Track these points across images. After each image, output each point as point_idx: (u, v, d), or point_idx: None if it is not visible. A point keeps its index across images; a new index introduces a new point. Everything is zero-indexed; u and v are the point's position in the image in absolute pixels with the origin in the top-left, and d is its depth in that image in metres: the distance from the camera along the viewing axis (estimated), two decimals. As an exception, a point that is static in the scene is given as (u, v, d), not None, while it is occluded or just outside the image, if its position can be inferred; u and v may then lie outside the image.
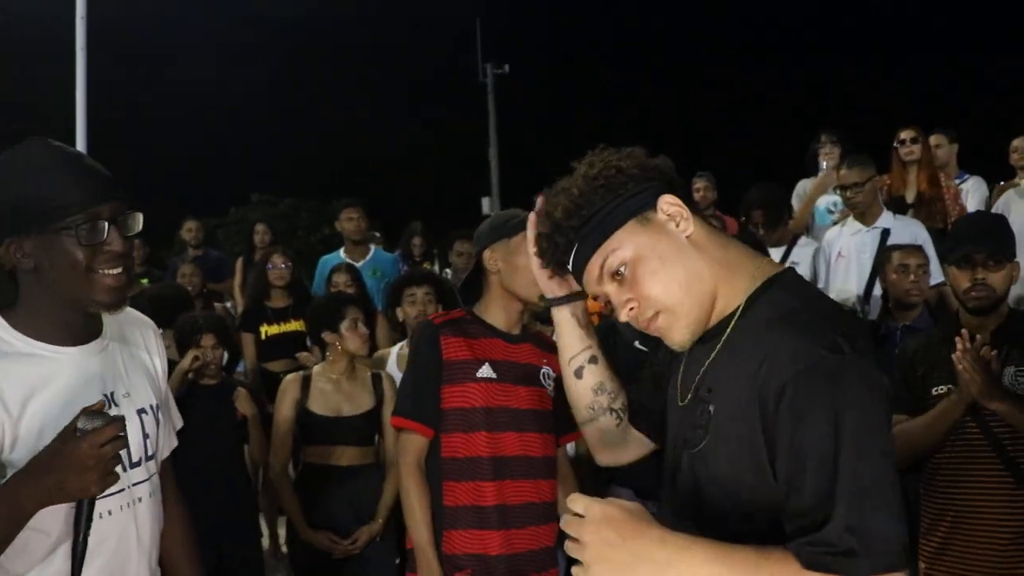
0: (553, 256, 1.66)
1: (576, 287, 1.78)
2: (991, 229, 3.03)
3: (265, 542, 5.42)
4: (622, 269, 1.57)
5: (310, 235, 26.43)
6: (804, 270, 5.23)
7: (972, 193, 6.14)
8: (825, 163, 6.28)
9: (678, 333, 1.59)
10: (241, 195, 29.68)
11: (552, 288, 1.87)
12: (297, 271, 6.13)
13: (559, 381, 2.44)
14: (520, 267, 2.70)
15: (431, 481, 2.78)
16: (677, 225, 1.58)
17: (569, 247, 1.62)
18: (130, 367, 2.05)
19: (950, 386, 2.84)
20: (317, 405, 4.04)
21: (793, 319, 1.47)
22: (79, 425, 1.69)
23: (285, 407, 4.08)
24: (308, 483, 4.07)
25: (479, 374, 2.78)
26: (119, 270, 1.88)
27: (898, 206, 5.56)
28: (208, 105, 42.21)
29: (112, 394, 1.95)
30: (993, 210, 5.06)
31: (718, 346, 1.57)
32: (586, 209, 1.58)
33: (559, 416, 2.74)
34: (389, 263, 6.89)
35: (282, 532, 4.93)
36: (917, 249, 4.14)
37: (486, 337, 2.83)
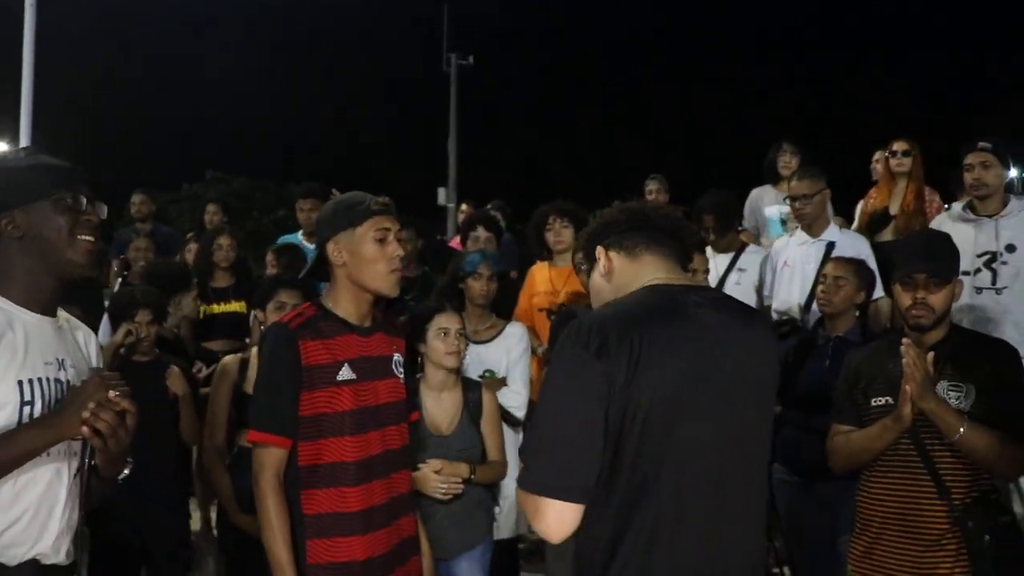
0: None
1: None
2: (934, 249, 3.12)
3: (197, 524, 5.35)
4: None
5: (264, 216, 26.19)
6: (751, 277, 5.28)
7: None
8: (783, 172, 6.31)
9: None
10: (196, 171, 29.35)
11: None
12: (242, 252, 6.06)
13: (406, 364, 2.88)
14: (366, 257, 2.71)
15: (291, 490, 2.68)
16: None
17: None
18: (74, 352, 2.30)
19: (888, 399, 2.99)
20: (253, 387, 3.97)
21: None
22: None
23: (222, 389, 4.03)
24: (242, 466, 4.00)
25: (340, 377, 2.70)
26: (94, 238, 2.23)
27: (881, 218, 5.61)
28: (167, 77, 41.61)
29: (63, 361, 2.22)
30: None
31: None
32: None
33: (408, 398, 2.89)
34: None
35: (215, 515, 4.86)
36: (845, 263, 4.18)
37: (340, 335, 2.74)
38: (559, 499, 1.93)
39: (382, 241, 2.74)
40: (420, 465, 3.50)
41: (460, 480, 3.54)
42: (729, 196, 5.69)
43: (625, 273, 2.23)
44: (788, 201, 5.19)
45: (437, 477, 3.50)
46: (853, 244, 4.92)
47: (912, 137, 5.82)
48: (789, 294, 4.97)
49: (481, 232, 5.51)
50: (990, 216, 4.57)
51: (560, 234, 4.95)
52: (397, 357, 2.90)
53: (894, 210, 5.67)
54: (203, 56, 44.40)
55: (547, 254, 5.07)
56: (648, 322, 2.01)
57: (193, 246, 6.69)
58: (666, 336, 1.99)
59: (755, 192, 6.62)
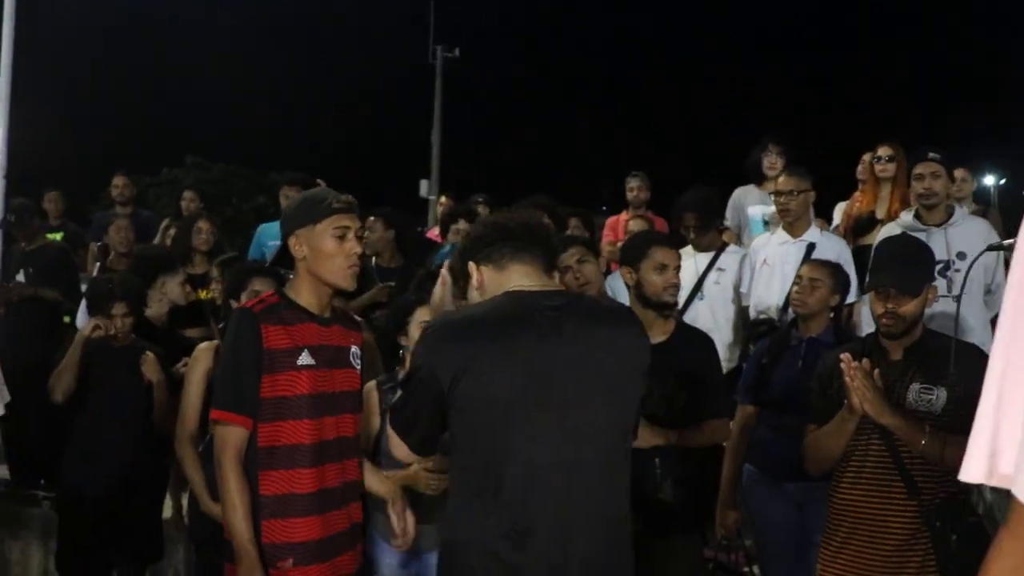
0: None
1: None
2: (907, 259, 3.16)
3: (167, 512, 5.32)
4: None
5: (243, 203, 26.06)
6: (731, 276, 5.29)
7: None
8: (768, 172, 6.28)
9: None
10: (176, 156, 29.15)
11: None
12: (220, 238, 6.03)
13: (363, 358, 3.04)
14: (325, 253, 2.83)
15: (249, 471, 2.77)
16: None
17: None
18: None
19: None
20: (228, 376, 3.95)
21: None
22: None
23: (196, 376, 3.99)
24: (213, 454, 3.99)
25: (300, 361, 2.80)
26: None
27: (867, 223, 5.62)
28: (149, 62, 41.32)
29: None
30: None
31: None
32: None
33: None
34: None
35: (186, 503, 4.84)
36: (820, 264, 4.20)
37: (301, 322, 2.85)
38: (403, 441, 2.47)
39: (341, 238, 2.84)
40: (415, 466, 3.49)
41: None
42: (711, 193, 5.68)
43: (493, 284, 2.45)
44: (774, 197, 5.18)
45: (427, 474, 3.48)
46: (833, 247, 4.94)
47: (898, 142, 5.83)
48: (767, 293, 4.98)
49: (463, 225, 5.49)
50: (938, 225, 4.63)
51: None
52: (355, 349, 3.01)
53: (880, 214, 5.68)
54: (186, 42, 44.10)
55: None
56: (484, 328, 2.33)
57: (173, 231, 6.65)
58: (500, 342, 2.31)
59: (738, 191, 6.59)
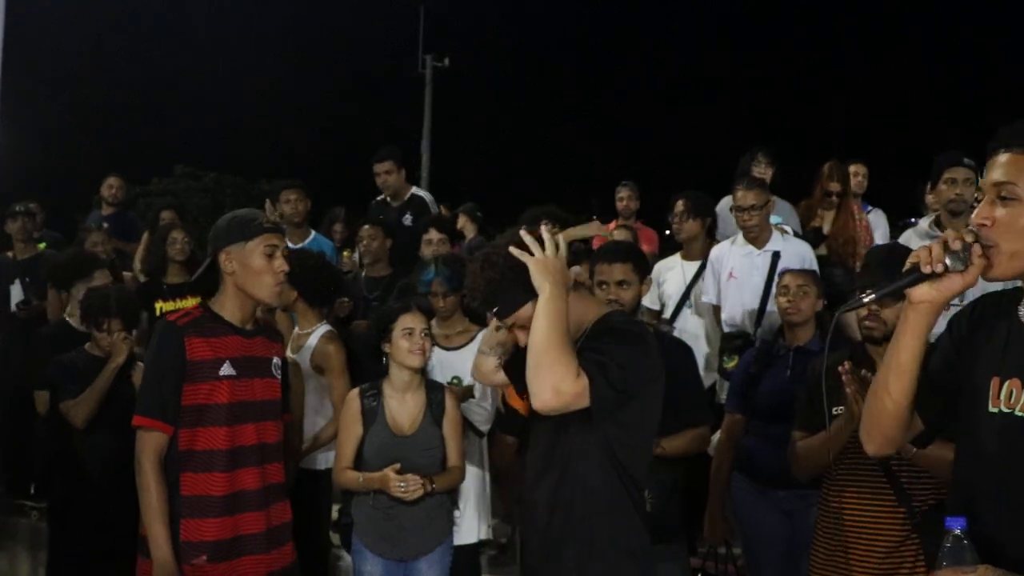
0: (478, 306, 2.64)
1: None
2: (893, 263, 3.14)
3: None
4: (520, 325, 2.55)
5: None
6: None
7: (876, 226, 6.34)
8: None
9: None
10: (165, 165, 29.06)
11: None
12: (196, 248, 6.00)
13: (285, 368, 3.24)
14: (255, 269, 2.99)
15: (170, 472, 2.94)
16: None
17: (490, 307, 2.58)
18: None
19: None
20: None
21: None
22: None
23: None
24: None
25: (221, 372, 2.97)
26: None
27: (814, 236, 5.65)
28: (139, 72, 41.27)
29: None
30: None
31: None
32: (503, 288, 2.52)
33: (284, 398, 3.22)
34: (329, 248, 6.74)
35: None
36: (802, 273, 4.22)
37: (224, 335, 3.01)
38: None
39: (270, 256, 3.01)
40: (387, 469, 3.55)
41: (420, 482, 3.55)
42: (704, 199, 5.67)
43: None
44: (735, 213, 5.12)
45: (397, 477, 3.52)
46: (797, 251, 4.96)
47: (845, 159, 5.92)
48: (739, 306, 4.98)
49: (433, 234, 5.47)
50: None
51: None
52: (276, 360, 3.17)
53: (827, 230, 5.72)
54: (174, 52, 44.09)
55: None
56: None
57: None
58: None
59: (726, 200, 6.62)
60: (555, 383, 2.35)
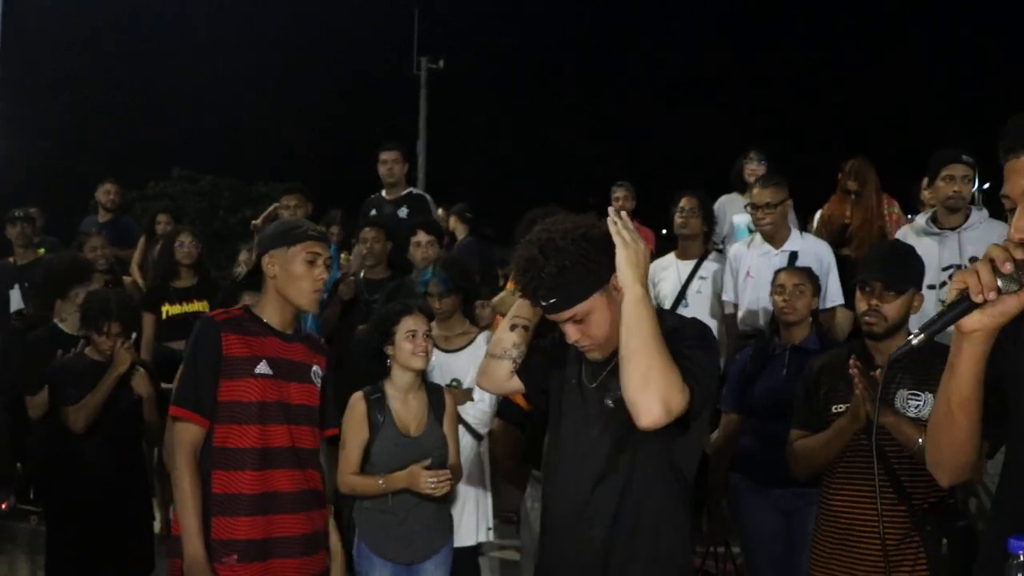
0: (532, 297, 2.38)
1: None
2: (894, 259, 3.18)
3: (157, 526, 5.30)
4: (578, 318, 2.34)
5: (230, 215, 25.95)
6: (710, 285, 5.33)
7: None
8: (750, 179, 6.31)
9: (601, 351, 2.42)
10: (162, 169, 29.00)
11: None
12: (203, 251, 6.02)
13: (326, 380, 3.16)
14: (295, 275, 3.00)
15: (201, 470, 2.92)
16: (617, 291, 2.30)
17: (549, 298, 2.32)
18: None
19: (847, 405, 3.01)
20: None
21: None
22: None
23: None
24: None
25: (257, 370, 2.96)
26: None
27: (840, 233, 5.62)
28: (135, 75, 41.22)
29: None
30: None
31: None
32: (568, 278, 2.29)
33: (324, 411, 3.16)
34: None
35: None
36: (797, 271, 4.22)
37: (263, 335, 3.03)
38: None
39: (311, 263, 3.02)
40: (413, 466, 3.57)
41: (449, 476, 3.58)
42: (705, 200, 5.67)
43: None
44: (751, 210, 5.16)
45: (427, 473, 3.53)
46: (815, 251, 4.94)
47: (865, 156, 5.85)
48: (756, 305, 4.97)
49: (422, 236, 5.46)
50: (953, 229, 4.60)
51: None
52: (316, 368, 3.15)
53: (853, 227, 5.69)
54: (172, 54, 44.02)
55: None
56: None
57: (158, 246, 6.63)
58: None
59: (723, 200, 6.61)
60: (667, 398, 2.17)
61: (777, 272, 4.30)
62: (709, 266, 5.38)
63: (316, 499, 3.11)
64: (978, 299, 1.62)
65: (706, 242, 5.52)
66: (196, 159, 29.92)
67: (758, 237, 5.13)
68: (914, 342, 1.69)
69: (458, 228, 8.05)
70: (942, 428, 1.85)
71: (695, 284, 5.33)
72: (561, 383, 2.56)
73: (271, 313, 3.06)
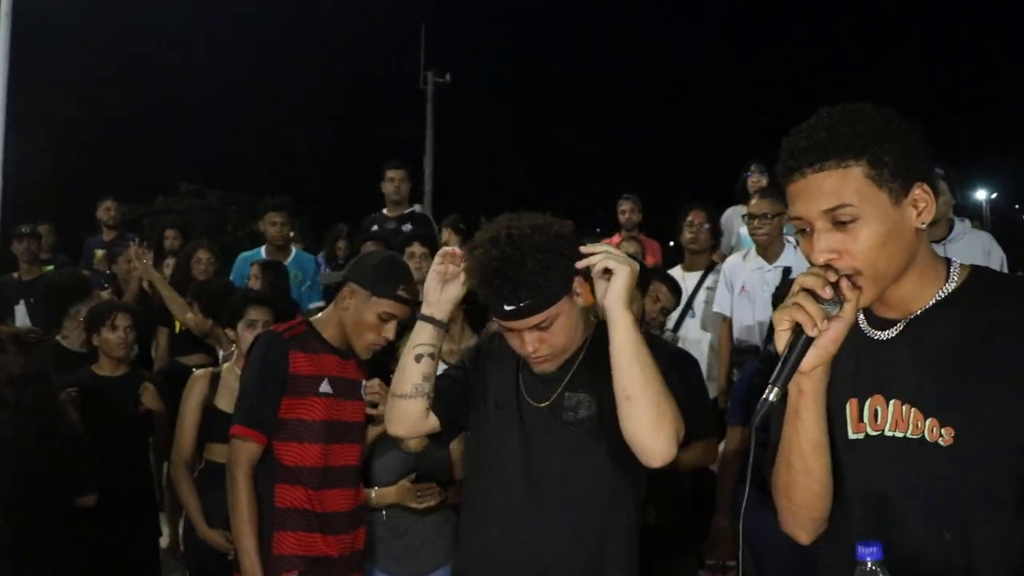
0: (503, 299, 2.12)
1: (440, 315, 2.35)
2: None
3: (165, 540, 5.29)
4: (545, 324, 2.16)
5: (238, 230, 26.05)
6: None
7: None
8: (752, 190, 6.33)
9: (554, 363, 2.27)
10: (169, 184, 29.14)
11: (431, 308, 2.35)
12: (219, 267, 6.06)
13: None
14: (364, 324, 2.99)
15: (264, 484, 2.93)
16: (578, 296, 2.21)
17: (526, 299, 2.10)
18: None
19: None
20: (224, 402, 3.95)
21: None
22: None
23: (192, 402, 4.01)
24: (209, 481, 3.98)
25: (321, 389, 3.00)
26: None
27: None
28: (143, 90, 41.44)
29: None
30: None
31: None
32: (550, 277, 2.11)
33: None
34: (310, 264, 6.81)
35: (182, 530, 4.82)
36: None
37: (324, 353, 3.06)
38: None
39: (385, 321, 3.01)
40: (403, 481, 3.55)
41: (436, 490, 3.56)
42: (711, 211, 5.69)
43: None
44: (747, 220, 5.15)
45: (414, 487, 3.52)
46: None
47: None
48: (750, 320, 4.98)
49: (416, 248, 5.48)
50: (937, 241, 4.60)
51: None
52: (364, 383, 3.20)
53: None
54: (178, 69, 44.30)
55: None
56: None
57: (169, 261, 6.66)
58: None
59: (729, 212, 6.67)
60: (678, 435, 2.12)
61: (779, 287, 4.30)
62: (715, 278, 5.39)
63: (363, 517, 3.17)
64: (814, 333, 1.55)
65: (712, 253, 5.56)
66: (204, 174, 30.08)
67: (753, 251, 5.14)
68: (771, 399, 1.61)
69: (452, 239, 8.07)
70: (797, 485, 1.79)
71: (702, 294, 5.35)
72: (485, 407, 2.37)
73: (331, 334, 3.08)
